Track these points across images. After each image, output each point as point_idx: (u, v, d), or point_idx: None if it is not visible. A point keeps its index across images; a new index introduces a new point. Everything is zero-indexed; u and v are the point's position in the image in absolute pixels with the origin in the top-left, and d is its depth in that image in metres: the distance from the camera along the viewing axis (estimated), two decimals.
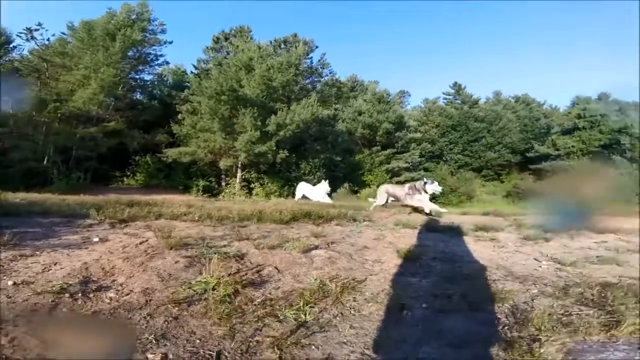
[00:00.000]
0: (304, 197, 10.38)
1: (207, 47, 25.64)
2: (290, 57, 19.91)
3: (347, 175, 22.18)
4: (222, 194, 16.46)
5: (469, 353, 1.43)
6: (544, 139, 30.62)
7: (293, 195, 16.75)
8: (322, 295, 1.85)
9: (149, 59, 20.49)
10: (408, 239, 3.82)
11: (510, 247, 3.56)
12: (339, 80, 31.97)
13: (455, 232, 4.43)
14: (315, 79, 26.77)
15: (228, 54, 23.48)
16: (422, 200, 6.46)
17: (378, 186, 9.11)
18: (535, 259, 3.06)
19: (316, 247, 2.98)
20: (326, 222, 4.81)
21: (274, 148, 16.01)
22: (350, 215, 5.20)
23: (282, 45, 25.51)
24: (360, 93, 33.01)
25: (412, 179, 27.78)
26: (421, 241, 3.71)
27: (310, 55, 25.23)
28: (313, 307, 1.70)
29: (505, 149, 31.96)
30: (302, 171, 17.74)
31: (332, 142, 23.31)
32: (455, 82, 38.49)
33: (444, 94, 39.52)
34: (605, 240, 4.09)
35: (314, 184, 11.26)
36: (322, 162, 19.02)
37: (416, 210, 6.60)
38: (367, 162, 26.37)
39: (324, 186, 9.76)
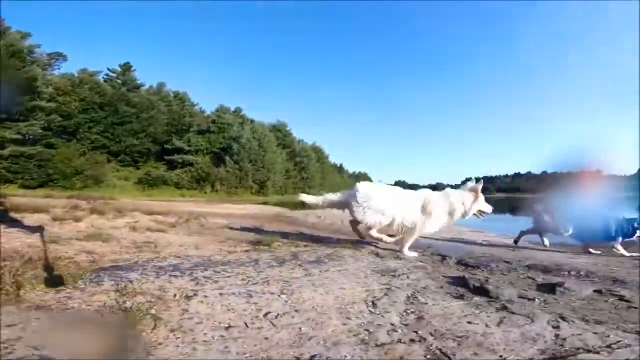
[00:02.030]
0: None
1: None
2: None
3: None
4: None
5: None
6: (183, 135, 35.01)
7: None
8: None
9: None
10: None
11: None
12: None
13: None
14: None
15: None
16: None
17: None
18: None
19: None
20: None
21: None
22: None
23: None
24: None
25: (22, 155, 21.05)
26: None
27: None
28: None
29: (148, 137, 32.91)
30: None
31: None
32: (126, 62, 36.24)
33: (108, 69, 35.76)
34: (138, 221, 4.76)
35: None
36: None
37: None
38: None
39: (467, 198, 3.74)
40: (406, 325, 1.79)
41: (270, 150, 42.14)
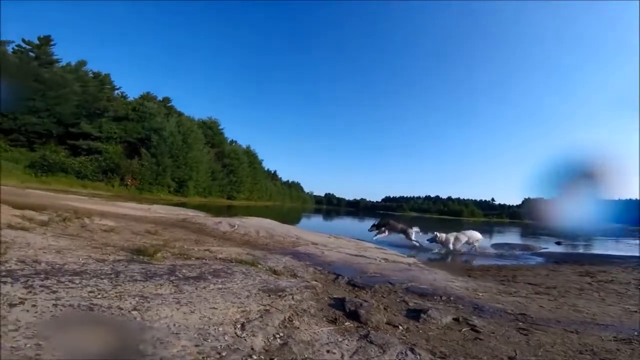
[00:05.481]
0: None
1: None
2: None
3: None
4: None
5: None
6: (94, 119, 30.76)
7: None
8: None
9: None
10: None
11: None
12: None
13: None
14: None
15: None
16: None
17: None
18: None
19: None
20: None
21: None
22: None
23: None
24: None
25: None
26: None
27: None
28: None
29: (52, 118, 28.13)
30: None
31: None
32: (47, 36, 31.77)
33: (23, 41, 30.81)
34: None
35: None
36: None
37: None
38: None
39: None
40: (267, 351, 1.75)
41: (196, 147, 40.00)
